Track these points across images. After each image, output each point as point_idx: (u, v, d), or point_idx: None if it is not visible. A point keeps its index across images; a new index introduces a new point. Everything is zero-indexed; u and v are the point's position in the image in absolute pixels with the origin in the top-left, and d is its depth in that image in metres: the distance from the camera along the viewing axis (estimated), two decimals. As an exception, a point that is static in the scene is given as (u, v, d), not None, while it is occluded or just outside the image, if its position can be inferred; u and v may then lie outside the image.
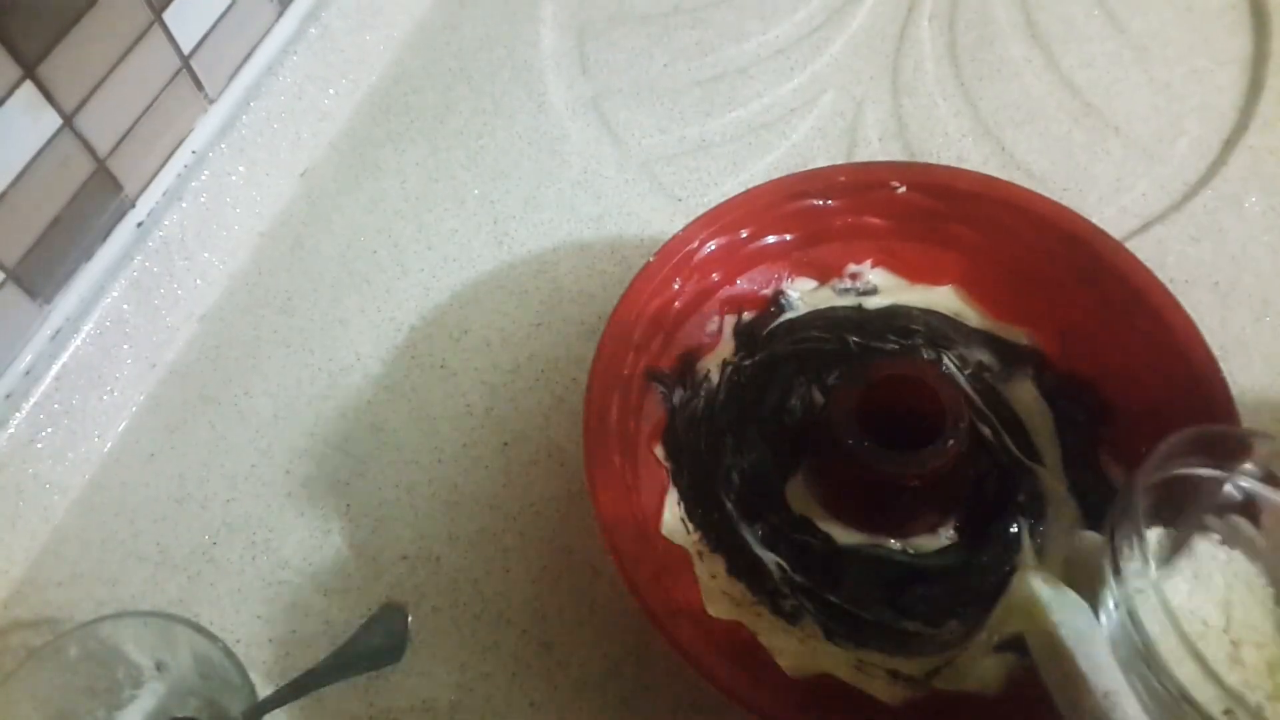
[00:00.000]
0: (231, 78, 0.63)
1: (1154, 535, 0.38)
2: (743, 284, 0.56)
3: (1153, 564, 0.34)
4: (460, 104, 0.70)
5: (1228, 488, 0.39)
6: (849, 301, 0.56)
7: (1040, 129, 0.67)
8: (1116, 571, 0.35)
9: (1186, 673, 0.32)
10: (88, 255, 0.56)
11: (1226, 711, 0.32)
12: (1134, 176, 0.64)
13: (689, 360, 0.54)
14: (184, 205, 0.60)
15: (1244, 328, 0.57)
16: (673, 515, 0.50)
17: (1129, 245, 0.51)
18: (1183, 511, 0.38)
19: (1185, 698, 0.32)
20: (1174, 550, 0.38)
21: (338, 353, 0.60)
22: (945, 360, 0.54)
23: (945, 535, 0.49)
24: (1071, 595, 0.35)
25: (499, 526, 0.54)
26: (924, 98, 0.69)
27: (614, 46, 0.73)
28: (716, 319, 0.55)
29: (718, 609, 0.47)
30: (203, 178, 0.60)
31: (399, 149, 0.68)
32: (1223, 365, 0.47)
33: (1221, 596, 0.36)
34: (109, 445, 0.57)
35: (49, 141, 0.51)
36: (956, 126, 0.67)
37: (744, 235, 0.54)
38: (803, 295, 0.56)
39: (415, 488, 0.55)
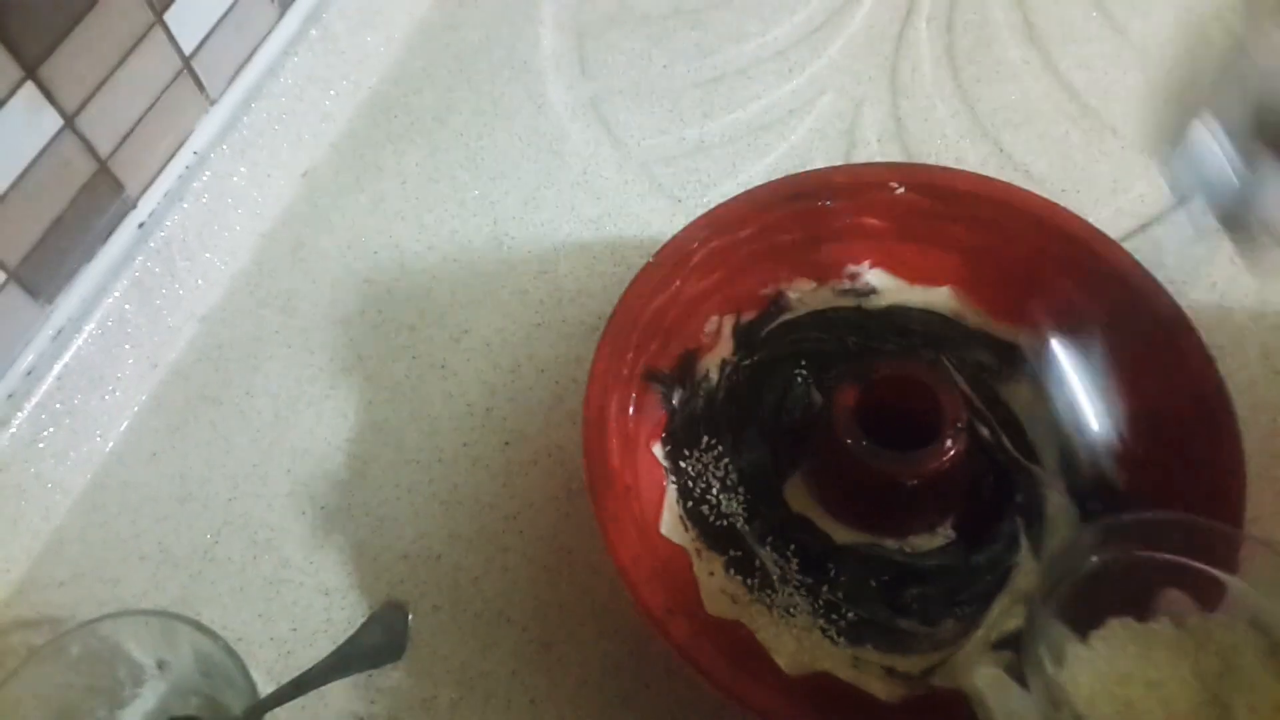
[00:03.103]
0: (233, 78, 0.63)
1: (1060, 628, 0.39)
2: (742, 284, 0.56)
3: (1047, 662, 0.36)
4: (460, 105, 0.70)
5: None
6: (848, 302, 0.56)
7: (1038, 130, 0.67)
8: (1032, 669, 0.37)
9: None
10: (89, 256, 0.56)
11: None
12: (1132, 177, 0.64)
13: (689, 360, 0.54)
14: (185, 206, 0.60)
15: (1241, 327, 0.57)
16: (671, 514, 0.50)
17: (1127, 246, 0.51)
18: (1111, 599, 0.40)
19: None
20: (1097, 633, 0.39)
21: (338, 353, 0.60)
22: (944, 360, 0.54)
23: (943, 535, 0.49)
24: (1013, 686, 0.37)
25: (499, 526, 0.54)
26: (922, 99, 0.69)
27: (613, 48, 0.73)
28: (716, 319, 0.55)
29: (716, 607, 0.48)
30: (204, 178, 0.61)
31: (399, 150, 0.69)
32: (1220, 365, 0.47)
33: (1134, 671, 0.38)
34: (111, 445, 0.57)
35: (50, 142, 0.51)
36: (955, 128, 0.67)
37: (743, 236, 0.54)
38: (802, 296, 0.56)
39: (415, 487, 0.55)
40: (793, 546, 0.49)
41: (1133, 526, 0.41)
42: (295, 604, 0.52)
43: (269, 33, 0.65)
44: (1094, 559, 0.40)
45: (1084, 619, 0.39)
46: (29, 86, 0.48)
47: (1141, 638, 0.39)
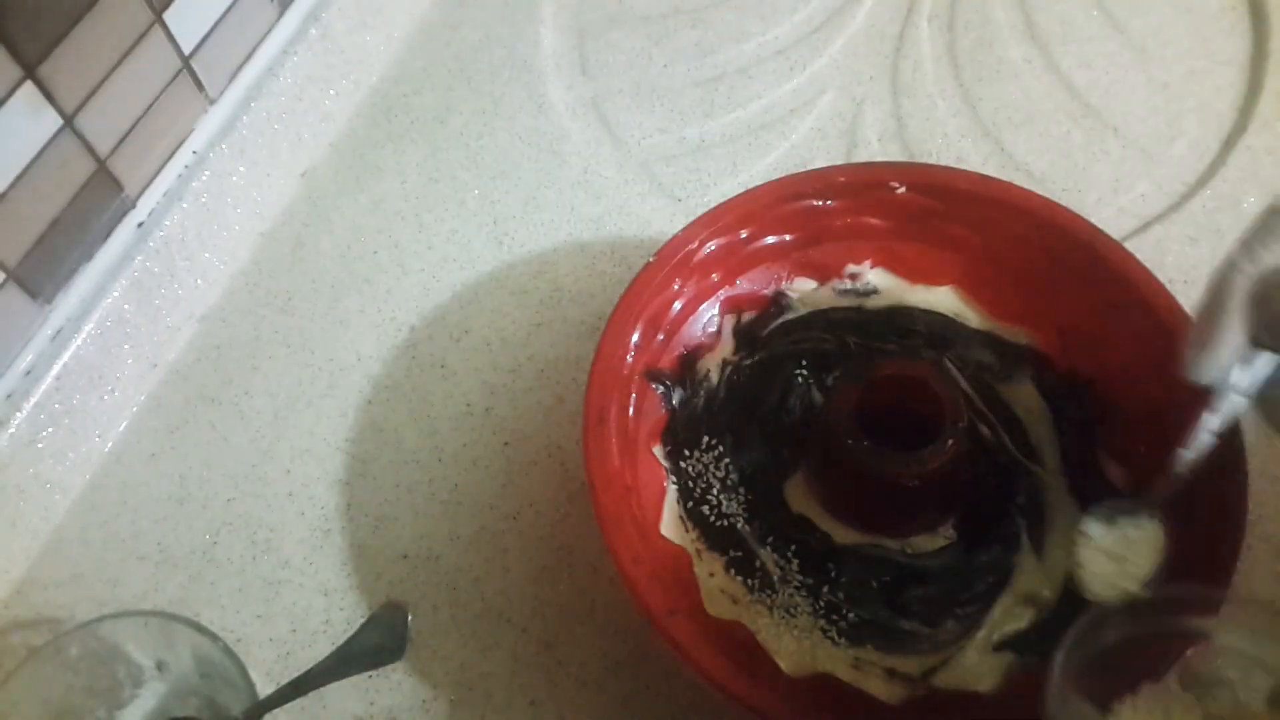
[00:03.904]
0: (232, 78, 0.63)
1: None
2: (743, 284, 0.56)
3: None
4: (460, 104, 0.70)
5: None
6: (849, 302, 0.56)
7: (1039, 130, 0.67)
8: None
9: None
10: (89, 255, 0.56)
11: None
12: (1133, 177, 0.64)
13: (689, 360, 0.54)
14: (185, 205, 0.60)
15: (1243, 328, 0.57)
16: (672, 514, 0.50)
17: (1128, 245, 0.51)
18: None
19: None
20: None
21: (338, 353, 0.60)
22: (945, 360, 0.54)
23: (944, 535, 0.49)
24: None
25: (499, 526, 0.54)
26: (923, 98, 0.69)
27: (614, 47, 0.73)
28: (716, 319, 0.55)
29: (716, 608, 0.48)
30: (203, 178, 0.60)
31: (399, 149, 0.69)
32: (1221, 365, 0.47)
33: None
34: (110, 445, 0.57)
35: (50, 142, 0.51)
36: (956, 127, 0.67)
37: (744, 235, 0.54)
38: (802, 296, 0.56)
39: (415, 487, 0.55)
40: (793, 547, 0.49)
41: (1149, 603, 0.40)
42: (295, 604, 0.52)
43: (268, 32, 0.65)
44: (1112, 634, 0.40)
45: (1106, 692, 0.39)
46: (28, 86, 0.48)
47: (1162, 704, 0.38)
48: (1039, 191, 0.53)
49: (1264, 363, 0.35)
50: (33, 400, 0.53)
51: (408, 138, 0.69)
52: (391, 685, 0.50)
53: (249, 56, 0.64)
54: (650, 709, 0.48)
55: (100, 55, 0.52)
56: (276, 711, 0.47)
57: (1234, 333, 0.35)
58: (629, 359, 0.50)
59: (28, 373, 0.53)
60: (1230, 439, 0.45)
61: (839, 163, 0.66)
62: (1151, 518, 0.42)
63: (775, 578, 0.48)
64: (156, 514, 0.55)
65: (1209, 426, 0.39)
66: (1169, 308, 0.49)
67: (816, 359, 0.54)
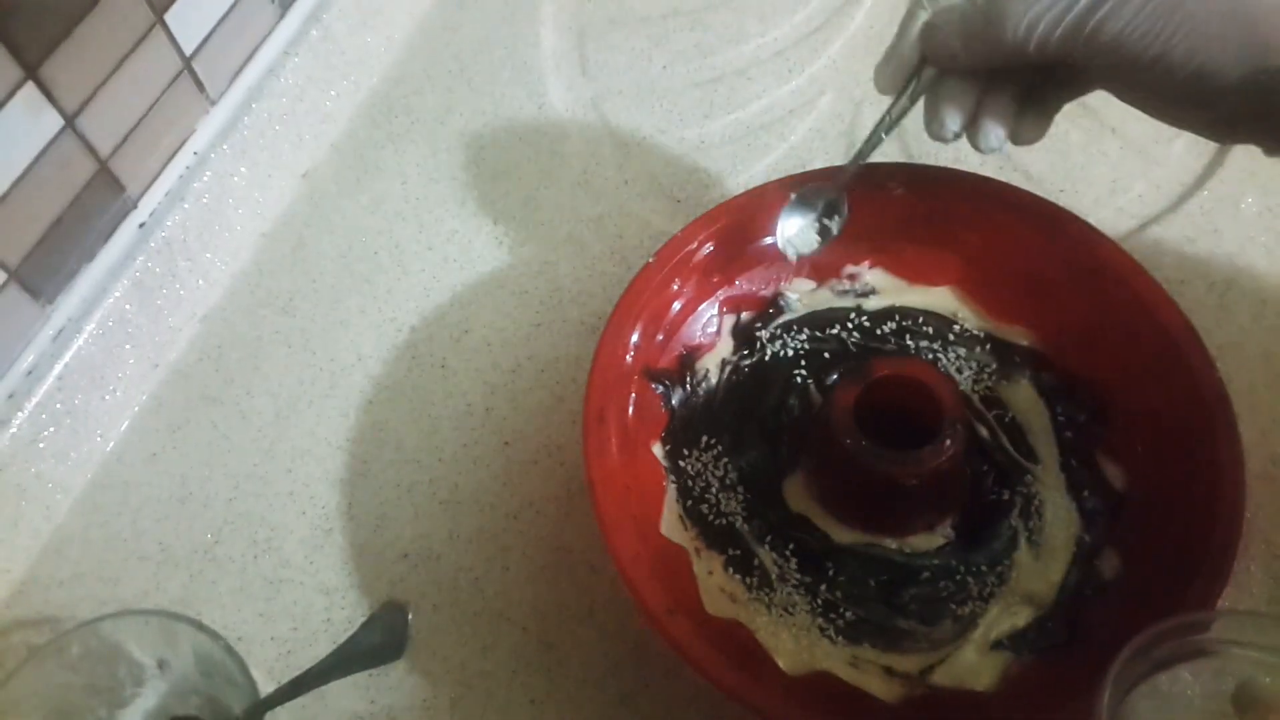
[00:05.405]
0: (233, 79, 0.63)
1: None
2: (742, 284, 0.56)
3: None
4: (460, 104, 0.71)
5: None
6: (848, 302, 0.56)
7: (1038, 130, 0.67)
8: None
9: None
10: (90, 256, 0.56)
11: None
12: (1131, 177, 0.64)
13: (688, 360, 0.54)
14: (186, 206, 0.60)
15: (1241, 328, 0.57)
16: (671, 513, 0.50)
17: (1126, 246, 0.51)
18: None
19: None
20: None
21: (339, 353, 0.60)
22: (944, 360, 0.54)
23: (942, 534, 0.49)
24: None
25: (499, 526, 0.54)
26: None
27: (614, 48, 0.73)
28: (716, 319, 0.55)
29: (716, 607, 0.48)
30: (205, 178, 0.61)
31: (400, 150, 0.69)
32: (1219, 365, 0.47)
33: None
34: (111, 445, 0.58)
35: (51, 142, 0.51)
36: (955, 127, 0.67)
37: (743, 236, 0.55)
38: (801, 296, 0.57)
39: (416, 487, 0.56)
40: (792, 545, 0.49)
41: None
42: (296, 603, 0.52)
43: (269, 33, 0.65)
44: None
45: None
46: (29, 87, 0.49)
47: None
48: (1037, 192, 0.54)
49: (927, 76, 0.45)
50: (34, 400, 0.53)
51: (408, 138, 0.69)
52: (391, 684, 0.50)
53: (250, 57, 0.64)
54: (650, 708, 0.49)
55: (101, 56, 0.53)
56: (277, 710, 0.47)
57: (910, 53, 0.45)
58: (629, 359, 0.50)
59: (29, 373, 0.53)
60: (1230, 440, 0.45)
61: (838, 163, 0.66)
62: (828, 199, 0.51)
63: (774, 576, 0.49)
64: (158, 513, 0.56)
65: (884, 126, 0.47)
66: (1167, 308, 0.49)
67: (816, 359, 0.55)
